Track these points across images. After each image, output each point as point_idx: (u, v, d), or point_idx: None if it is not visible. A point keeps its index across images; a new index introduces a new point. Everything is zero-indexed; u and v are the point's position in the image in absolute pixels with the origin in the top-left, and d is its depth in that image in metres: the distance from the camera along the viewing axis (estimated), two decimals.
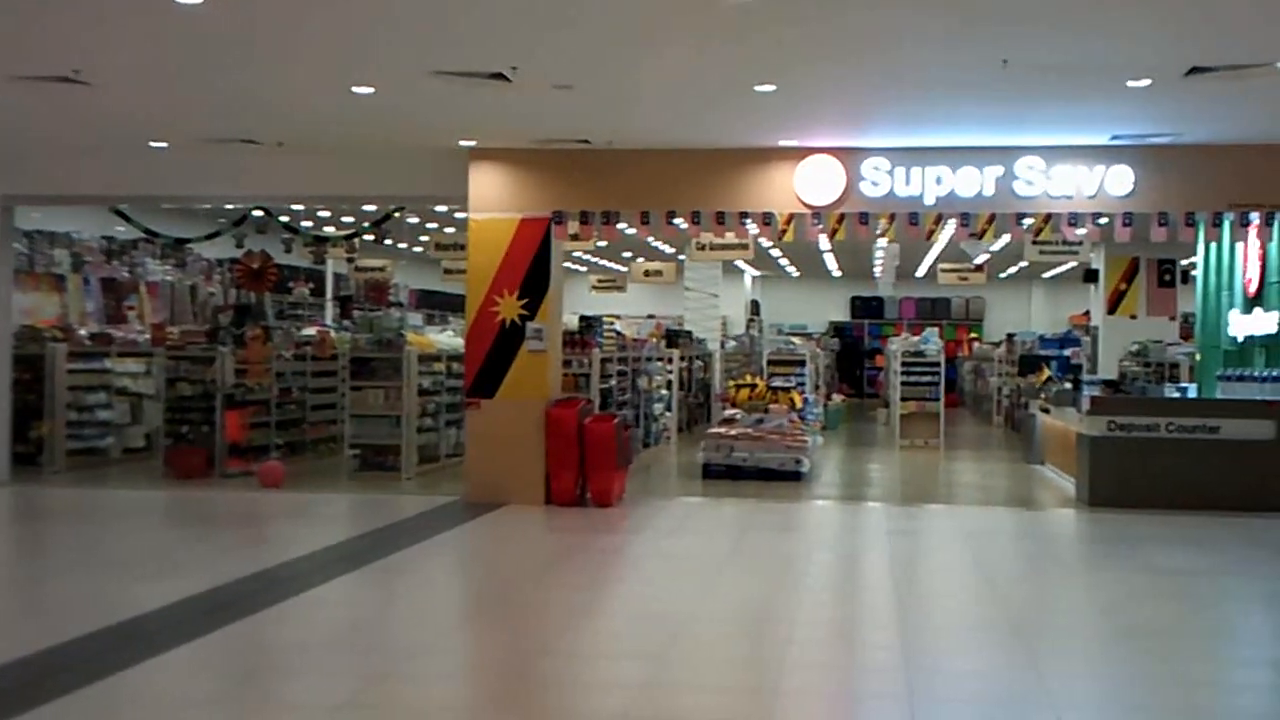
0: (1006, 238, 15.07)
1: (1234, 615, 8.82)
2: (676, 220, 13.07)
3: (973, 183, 12.47)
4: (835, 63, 9.43)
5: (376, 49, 9.28)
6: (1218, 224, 12.50)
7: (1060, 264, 26.03)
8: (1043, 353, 24.54)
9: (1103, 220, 12.59)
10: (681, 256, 24.08)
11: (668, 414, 20.60)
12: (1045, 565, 10.60)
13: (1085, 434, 13.62)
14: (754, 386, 18.02)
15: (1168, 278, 20.77)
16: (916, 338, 22.69)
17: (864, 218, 12.72)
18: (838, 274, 34.83)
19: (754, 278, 35.87)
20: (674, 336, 22.80)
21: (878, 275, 29.97)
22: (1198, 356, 17.90)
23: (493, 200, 13.12)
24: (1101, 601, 8.92)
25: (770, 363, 22.47)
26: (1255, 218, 12.28)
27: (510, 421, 12.87)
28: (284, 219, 16.46)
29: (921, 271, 30.79)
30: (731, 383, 19.79)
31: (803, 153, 12.66)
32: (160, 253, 19.94)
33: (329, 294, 24.11)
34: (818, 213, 12.77)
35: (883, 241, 21.43)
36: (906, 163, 12.54)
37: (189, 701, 6.22)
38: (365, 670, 6.83)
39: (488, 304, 13.07)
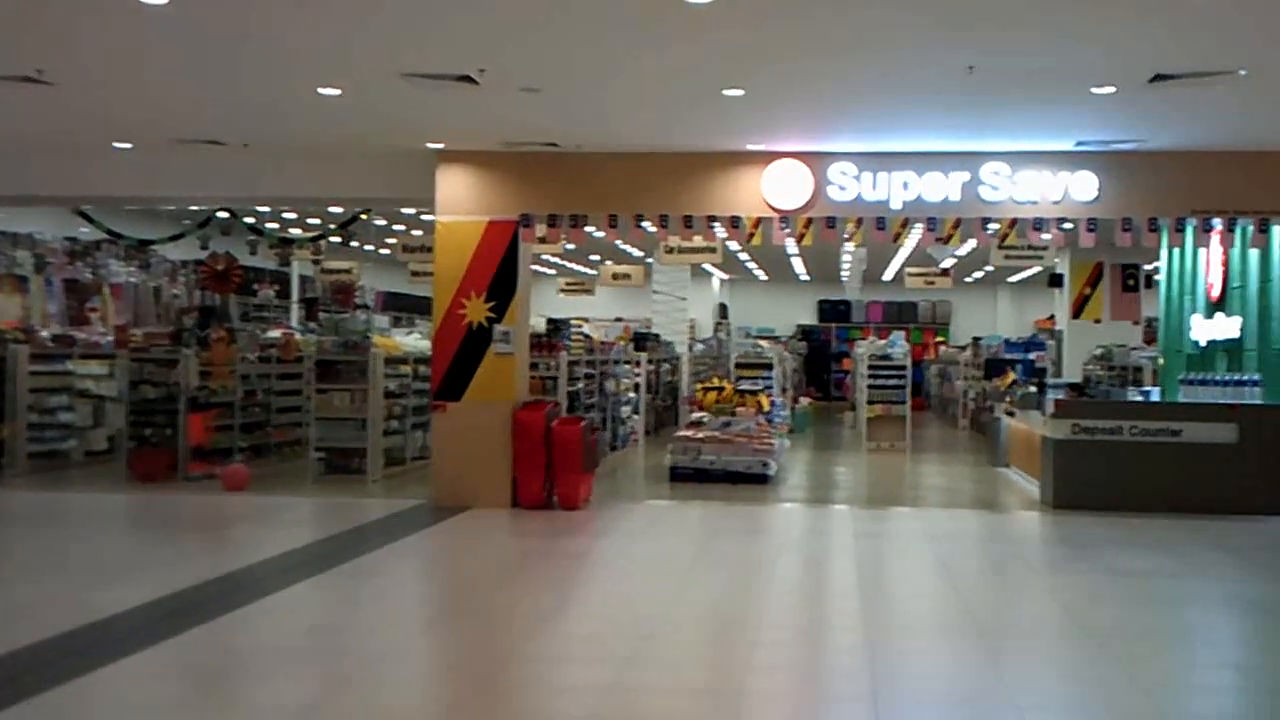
0: (972, 242, 15.16)
1: (1195, 617, 8.89)
2: (645, 224, 13.09)
3: (939, 188, 12.54)
4: (803, 67, 9.46)
5: (343, 50, 9.25)
6: (1180, 229, 12.62)
7: (1025, 268, 26.23)
8: (1008, 356, 24.72)
9: (1067, 225, 12.68)
10: (650, 260, 24.12)
11: (635, 417, 20.60)
12: (1009, 567, 10.66)
13: (1049, 437, 13.71)
14: (721, 389, 18.04)
15: (1131, 282, 20.97)
16: (883, 341, 22.79)
17: (831, 222, 12.77)
18: (805, 278, 34.96)
19: (722, 281, 35.94)
20: (642, 339, 22.81)
21: (845, 279, 30.09)
22: (1161, 360, 18.07)
23: (460, 203, 13.09)
24: (1065, 603, 8.98)
25: (738, 366, 22.51)
26: (1218, 223, 12.41)
27: (477, 424, 12.84)
28: (249, 220, 16.38)
29: (889, 275, 30.94)
30: (699, 386, 19.81)
31: (770, 157, 12.71)
32: (124, 254, 19.77)
33: (294, 296, 23.97)
34: (785, 217, 12.81)
35: (850, 245, 21.56)
36: (873, 167, 12.60)
37: (151, 707, 6.16)
38: (330, 675, 6.79)
39: (455, 306, 13.04)
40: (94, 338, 17.12)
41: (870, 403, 21.17)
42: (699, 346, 27.47)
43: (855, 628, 7.92)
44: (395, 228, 20.85)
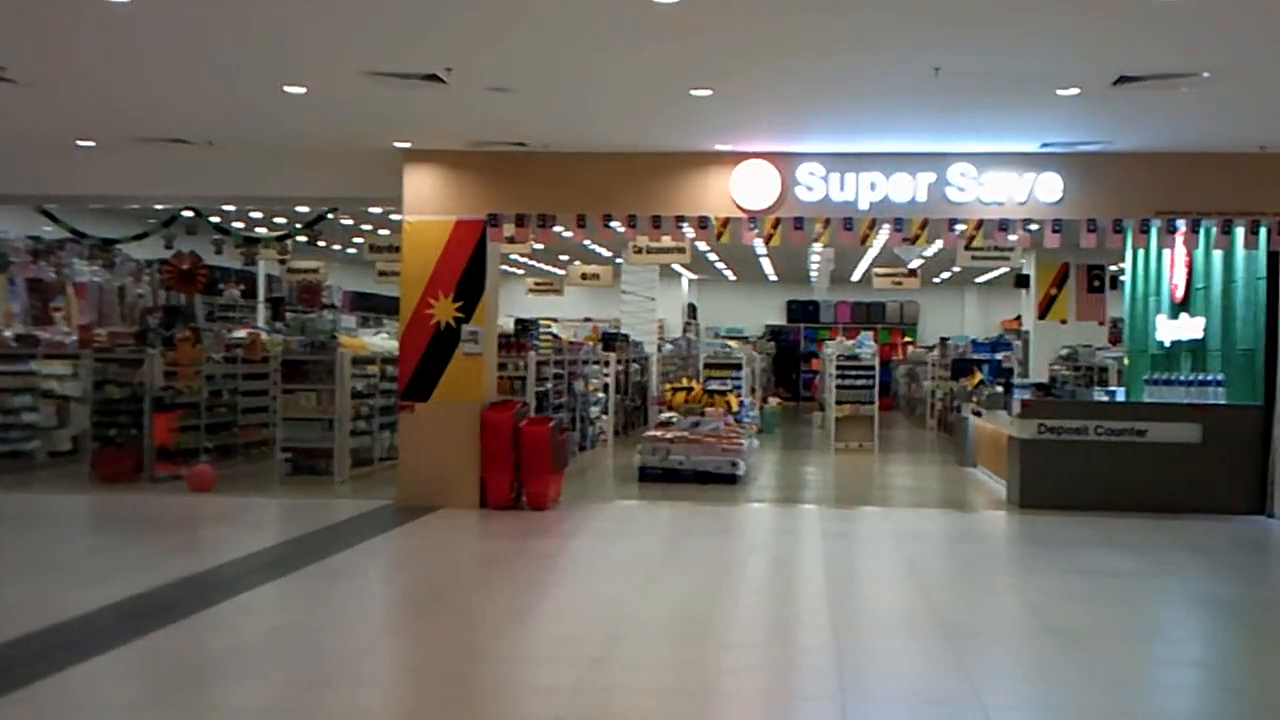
0: (939, 243, 15.22)
1: (1161, 616, 8.97)
2: (613, 224, 13.07)
3: (906, 188, 12.59)
4: (770, 68, 9.47)
5: (309, 48, 9.19)
6: (1145, 231, 12.71)
7: (992, 269, 26.36)
8: (975, 357, 24.84)
9: (1033, 226, 12.76)
10: (619, 260, 24.12)
11: (604, 417, 20.59)
12: (976, 567, 10.71)
13: (1016, 437, 13.80)
14: (690, 390, 18.07)
15: (1097, 283, 21.11)
16: (851, 341, 22.86)
17: (799, 222, 12.80)
18: (774, 278, 35.04)
19: (691, 281, 35.97)
20: (611, 340, 22.80)
21: (813, 279, 30.18)
22: (1126, 361, 18.20)
23: (428, 202, 13.05)
24: (1031, 602, 9.03)
25: (707, 366, 22.54)
26: (1181, 224, 12.51)
27: (445, 425, 12.80)
28: (214, 220, 16.27)
29: (857, 276, 31.04)
30: (668, 386, 19.83)
31: (739, 157, 12.72)
32: (88, 253, 19.57)
33: (260, 296, 23.82)
34: (753, 217, 12.83)
35: (818, 246, 21.61)
36: (841, 168, 12.64)
37: (115, 708, 6.12)
38: (297, 676, 6.75)
39: (422, 306, 12.99)
40: (58, 337, 16.96)
41: (838, 403, 21.23)
42: (668, 347, 27.49)
43: (824, 627, 7.94)
44: (363, 227, 20.75)
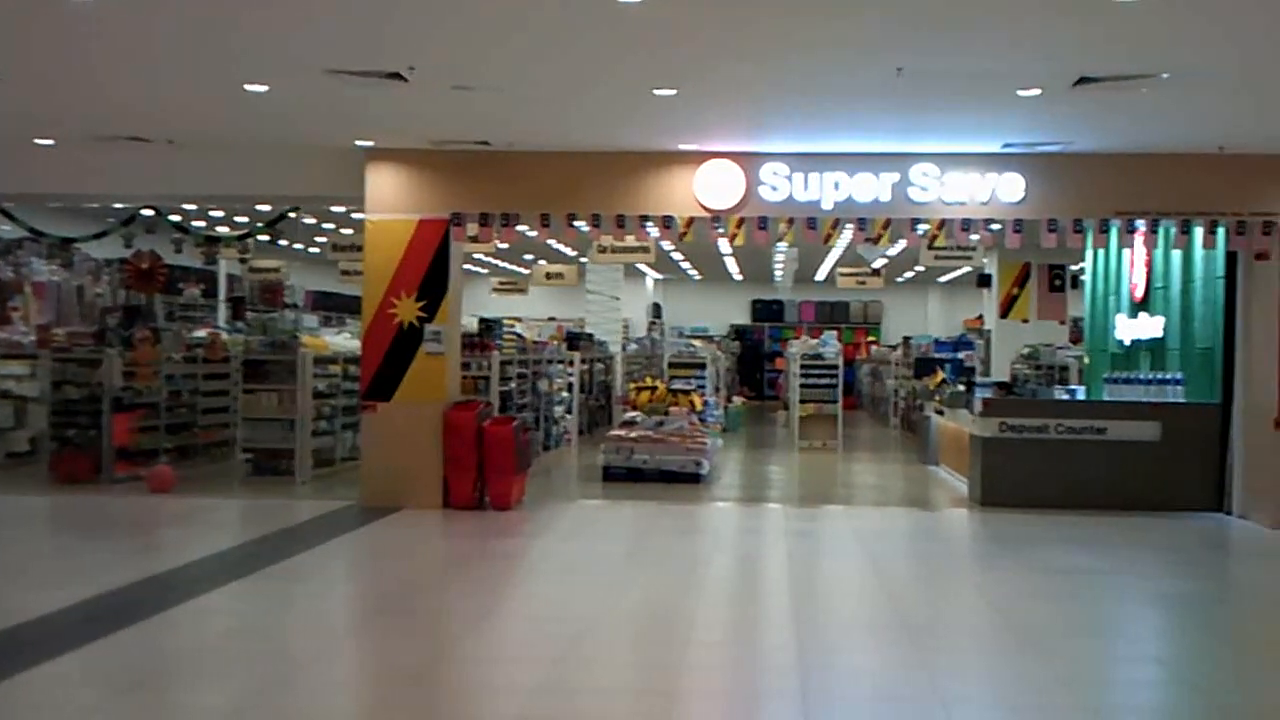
0: (902, 243, 15.27)
1: (1120, 613, 9.04)
2: (577, 223, 13.05)
3: (869, 188, 12.64)
4: (733, 68, 9.47)
5: (270, 46, 9.11)
6: (1105, 231, 12.81)
7: (955, 269, 26.53)
8: (937, 356, 24.96)
9: (995, 226, 12.84)
10: (583, 259, 24.08)
11: (568, 417, 20.56)
12: (938, 565, 10.77)
13: (978, 435, 13.88)
14: (654, 389, 18.07)
15: (1058, 283, 21.25)
16: (815, 341, 22.93)
17: (763, 222, 12.82)
18: (739, 277, 35.11)
19: (656, 280, 35.99)
20: (575, 339, 22.77)
21: (778, 279, 30.25)
22: (1086, 360, 18.34)
23: (390, 201, 12.99)
24: (992, 600, 9.09)
25: (671, 365, 22.56)
26: (1141, 224, 12.62)
27: (407, 424, 12.75)
28: (174, 219, 16.08)
29: (821, 275, 31.14)
30: (632, 385, 19.82)
31: (703, 157, 12.74)
32: (46, 252, 19.34)
33: (221, 295, 23.63)
34: (718, 216, 12.84)
35: (782, 245, 21.67)
36: (805, 168, 12.67)
37: (73, 711, 6.04)
38: (257, 678, 6.70)
39: (385, 306, 12.93)
40: (15, 337, 16.76)
41: (802, 402, 21.29)
42: (632, 346, 27.49)
43: (786, 626, 7.96)
44: (325, 226, 20.61)
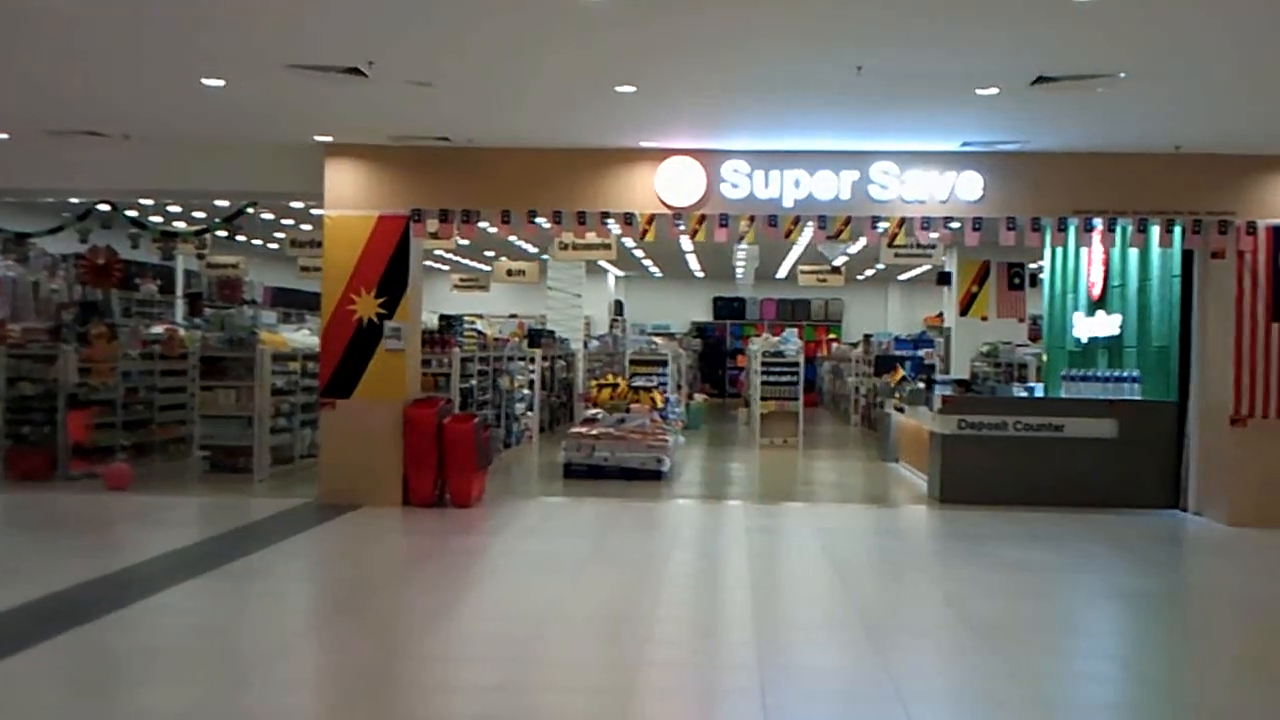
0: (863, 241, 15.36)
1: (1076, 609, 9.11)
2: (538, 220, 13.01)
3: (830, 186, 12.68)
4: (694, 65, 9.48)
5: (227, 40, 9.02)
6: (1063, 229, 12.91)
7: (915, 267, 26.67)
8: (898, 353, 25.09)
9: (954, 225, 12.91)
10: (545, 256, 24.03)
11: (529, 414, 20.53)
12: (897, 561, 10.82)
13: (937, 432, 13.96)
14: (616, 386, 18.06)
15: (1017, 281, 21.42)
16: (777, 338, 22.99)
17: (724, 219, 12.83)
18: (701, 275, 35.14)
19: (617, 278, 35.96)
20: (537, 336, 22.72)
21: (739, 276, 30.31)
22: (1044, 357, 18.48)
23: (350, 197, 12.91)
24: (950, 596, 9.13)
25: (633, 362, 22.55)
26: (1098, 223, 12.73)
27: (367, 421, 12.69)
28: (131, 214, 15.94)
29: (782, 273, 31.23)
30: (594, 382, 19.80)
31: (664, 154, 12.73)
32: (1, 247, 19.09)
33: (179, 291, 23.41)
34: (679, 214, 12.84)
35: (743, 243, 21.70)
36: (766, 166, 12.70)
37: (26, 712, 5.96)
38: (214, 677, 6.64)
39: (344, 302, 12.86)
40: None
41: (764, 399, 21.34)
42: (594, 343, 27.47)
43: (746, 622, 7.97)
44: (284, 222, 20.46)
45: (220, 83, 10.10)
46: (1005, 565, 10.29)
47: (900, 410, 17.27)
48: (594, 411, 16.82)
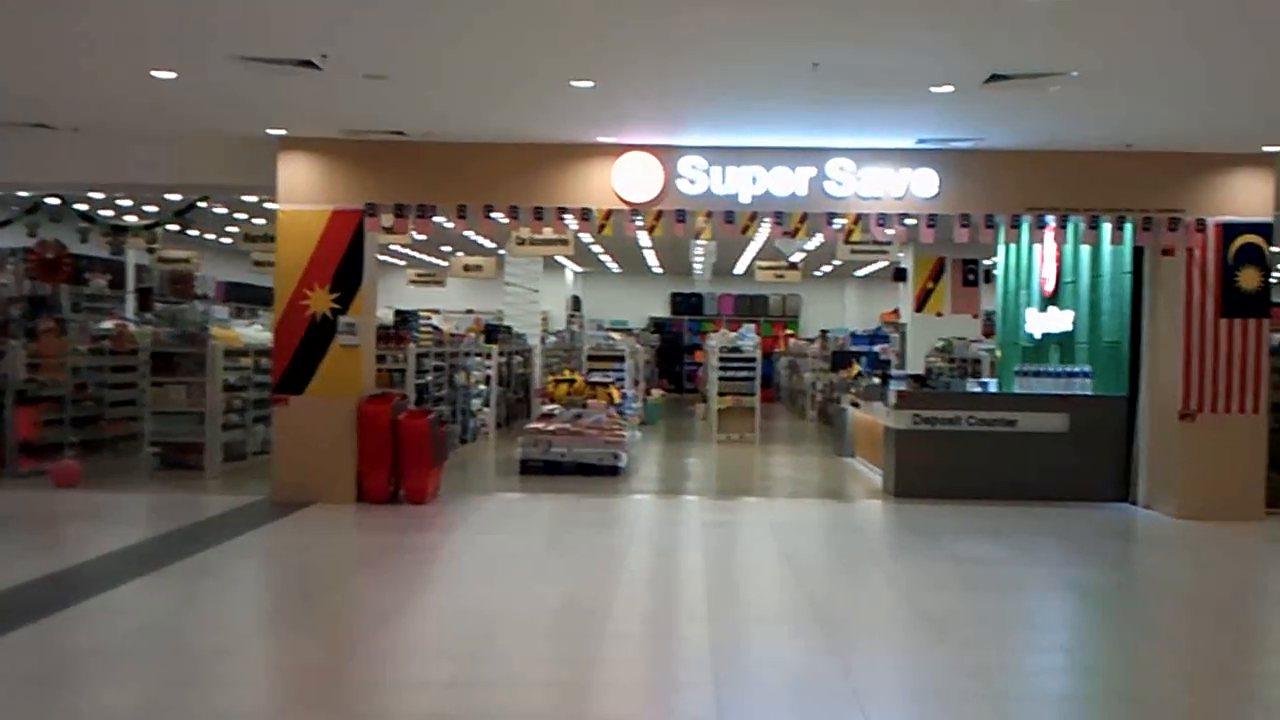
0: (819, 237, 15.39)
1: (1028, 602, 9.18)
2: (495, 215, 12.95)
3: (786, 182, 12.71)
4: (650, 60, 9.46)
5: (177, 32, 8.90)
6: (1016, 226, 13.01)
7: (871, 263, 26.76)
8: (854, 349, 25.21)
9: (909, 221, 12.97)
10: (502, 251, 23.95)
11: (486, 410, 20.45)
12: (851, 556, 10.88)
13: (892, 427, 14.03)
14: (573, 382, 18.02)
15: (971, 277, 21.55)
16: (734, 334, 23.02)
17: (681, 215, 12.83)
18: (658, 270, 35.16)
19: (575, 273, 35.92)
20: (493, 331, 22.64)
21: (697, 272, 30.34)
22: (998, 353, 18.63)
23: (303, 191, 12.80)
24: (904, 590, 9.19)
25: (590, 358, 22.50)
26: (1051, 220, 12.83)
27: (320, 418, 12.59)
28: (80, 207, 15.74)
29: (740, 269, 31.29)
30: (551, 378, 19.75)
31: (621, 149, 12.72)
32: None
33: (129, 286, 23.12)
34: (636, 209, 12.83)
35: (700, 239, 21.71)
36: (723, 162, 12.71)
37: None
38: (164, 676, 6.58)
39: (298, 297, 12.75)
40: None
41: (721, 394, 21.38)
42: (551, 339, 27.41)
43: (701, 617, 7.98)
44: (237, 216, 20.29)
45: (171, 75, 9.98)
46: (958, 559, 10.36)
47: (856, 405, 17.36)
48: (551, 407, 16.77)
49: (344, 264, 12.75)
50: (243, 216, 20.08)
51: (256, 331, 16.82)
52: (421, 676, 6.59)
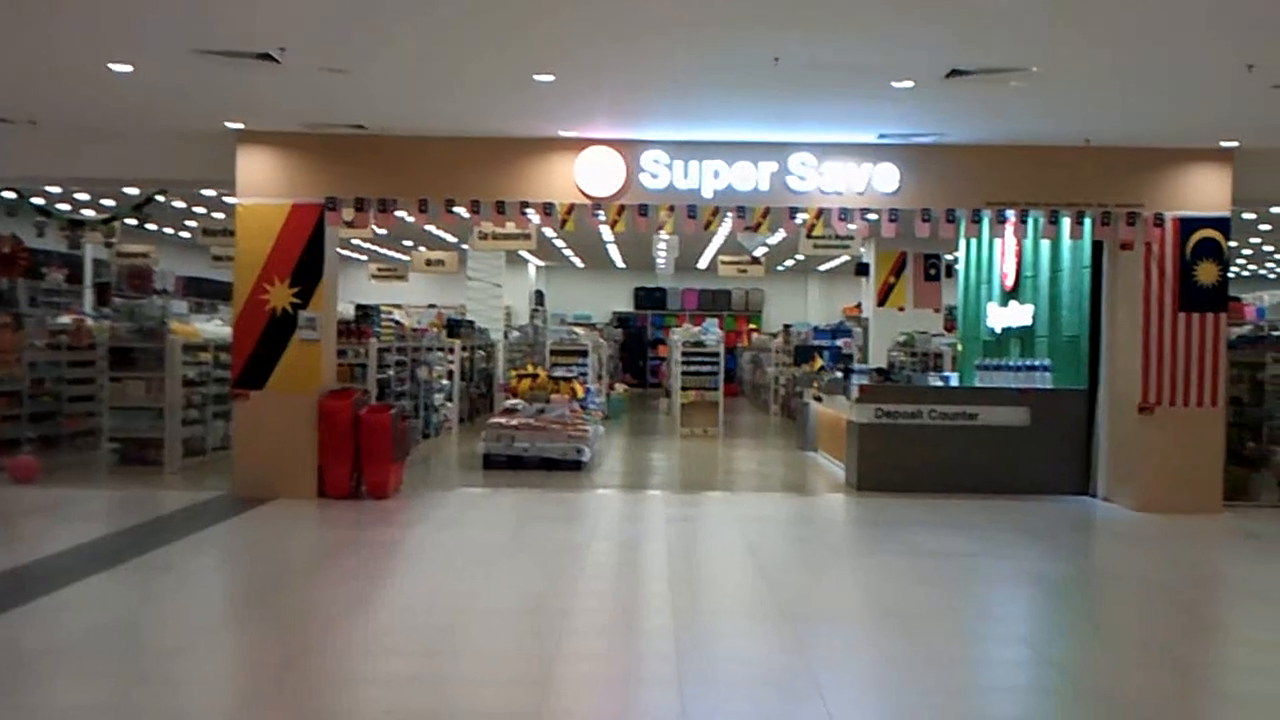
0: (782, 231, 15.43)
1: (989, 595, 9.24)
2: (457, 209, 12.90)
3: (749, 177, 12.73)
4: (612, 54, 9.44)
5: (135, 24, 8.81)
6: (976, 220, 13.08)
7: (834, 258, 26.87)
8: (817, 343, 25.30)
9: (871, 216, 13.02)
10: (464, 246, 23.87)
11: (449, 404, 20.38)
12: (814, 550, 10.91)
13: (854, 421, 14.08)
14: (536, 376, 17.98)
15: (933, 272, 21.62)
16: (698, 328, 23.05)
17: (644, 209, 12.83)
18: (622, 265, 35.14)
19: (538, 268, 35.86)
20: (456, 326, 22.57)
21: (660, 266, 30.34)
22: (959, 347, 18.75)
23: (263, 185, 12.71)
24: (865, 584, 9.23)
25: (553, 353, 22.49)
26: (1010, 215, 12.91)
27: (281, 413, 12.52)
28: (37, 201, 15.55)
29: (703, 263, 31.32)
30: (514, 372, 19.71)
31: (583, 144, 12.70)
32: None
33: (87, 280, 22.90)
34: (598, 203, 12.81)
35: (663, 233, 21.72)
36: (685, 156, 12.72)
37: None
38: (121, 673, 6.51)
39: (257, 292, 12.66)
40: None
41: (684, 389, 21.41)
42: (514, 333, 27.35)
43: (664, 612, 7.98)
44: (196, 210, 20.13)
45: (128, 68, 9.88)
46: (920, 552, 10.41)
47: (819, 399, 17.41)
48: (514, 402, 16.73)
49: (304, 258, 12.67)
50: (201, 211, 19.94)
51: (216, 326, 16.68)
52: (383, 672, 6.56)
